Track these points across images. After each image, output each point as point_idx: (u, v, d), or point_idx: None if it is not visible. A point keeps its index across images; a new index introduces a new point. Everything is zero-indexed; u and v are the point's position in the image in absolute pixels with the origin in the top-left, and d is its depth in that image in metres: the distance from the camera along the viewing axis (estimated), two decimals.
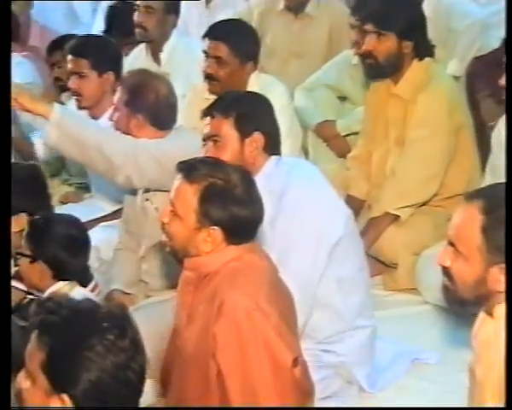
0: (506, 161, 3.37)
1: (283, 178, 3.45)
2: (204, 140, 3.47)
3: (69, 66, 4.66)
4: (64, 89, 5.21)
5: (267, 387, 2.68)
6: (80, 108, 4.70)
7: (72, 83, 4.65)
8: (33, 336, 2.13)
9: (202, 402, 2.78)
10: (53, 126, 3.67)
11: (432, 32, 4.94)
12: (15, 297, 3.59)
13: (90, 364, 2.07)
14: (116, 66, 4.71)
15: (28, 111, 3.73)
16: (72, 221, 3.57)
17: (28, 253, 3.37)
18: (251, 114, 3.46)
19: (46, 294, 3.29)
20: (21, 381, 2.17)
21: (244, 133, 3.41)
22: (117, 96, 4.04)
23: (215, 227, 2.76)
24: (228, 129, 3.40)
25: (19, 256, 3.43)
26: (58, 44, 5.41)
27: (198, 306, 2.78)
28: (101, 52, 4.71)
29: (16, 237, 3.47)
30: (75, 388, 2.07)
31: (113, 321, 2.13)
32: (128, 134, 3.94)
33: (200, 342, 2.77)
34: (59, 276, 3.36)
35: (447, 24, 5.74)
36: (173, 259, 2.96)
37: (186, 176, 2.82)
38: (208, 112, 3.47)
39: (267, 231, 3.36)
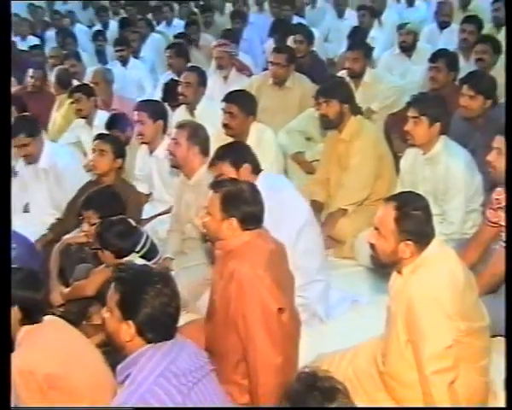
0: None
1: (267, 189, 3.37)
2: None
3: (135, 117, 4.64)
4: None
5: (260, 327, 2.63)
6: (142, 143, 4.69)
7: (137, 128, 4.63)
8: (112, 285, 2.19)
9: (225, 334, 2.72)
10: None
11: (369, 92, 5.20)
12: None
13: (146, 303, 2.13)
14: (164, 117, 4.68)
15: None
16: (122, 220, 3.36)
17: (98, 246, 3.29)
18: None
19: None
20: (104, 312, 2.22)
21: None
22: (177, 135, 3.97)
23: (232, 218, 2.73)
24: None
25: (93, 249, 3.41)
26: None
27: (223, 272, 2.73)
28: (155, 108, 4.69)
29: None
30: (137, 317, 2.13)
31: (161, 277, 2.20)
32: (186, 158, 3.92)
33: (223, 295, 2.72)
34: (119, 257, 3.22)
35: (378, 87, 5.72)
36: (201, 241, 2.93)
37: (213, 189, 2.82)
38: None
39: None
